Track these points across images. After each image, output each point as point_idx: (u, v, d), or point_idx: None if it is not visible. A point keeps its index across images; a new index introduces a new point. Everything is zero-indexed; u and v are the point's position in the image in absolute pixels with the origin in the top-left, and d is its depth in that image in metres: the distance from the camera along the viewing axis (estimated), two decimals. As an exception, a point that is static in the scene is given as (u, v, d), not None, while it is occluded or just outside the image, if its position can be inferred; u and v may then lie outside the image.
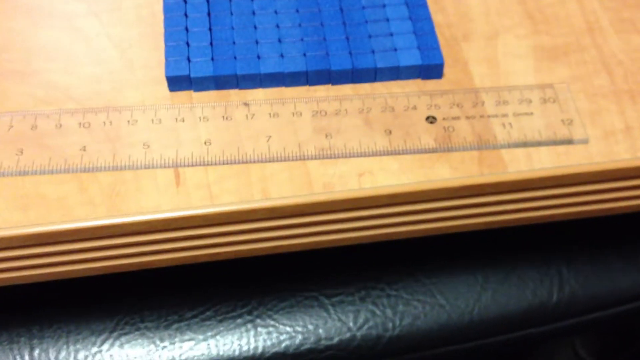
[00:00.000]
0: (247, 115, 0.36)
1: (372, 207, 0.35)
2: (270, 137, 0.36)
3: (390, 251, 0.42)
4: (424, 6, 0.40)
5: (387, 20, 0.39)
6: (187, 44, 0.38)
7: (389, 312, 0.40)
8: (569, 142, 0.35)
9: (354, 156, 0.35)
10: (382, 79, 0.38)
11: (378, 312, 0.40)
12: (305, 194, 0.34)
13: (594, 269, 0.42)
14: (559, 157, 0.35)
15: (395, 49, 0.38)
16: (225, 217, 0.34)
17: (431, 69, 0.38)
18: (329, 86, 0.38)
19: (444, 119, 0.36)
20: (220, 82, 0.37)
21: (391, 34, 0.39)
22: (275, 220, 0.34)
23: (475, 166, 0.35)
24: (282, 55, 0.38)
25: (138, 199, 0.33)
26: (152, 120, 0.36)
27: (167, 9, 0.39)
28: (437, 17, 0.41)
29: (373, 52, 0.38)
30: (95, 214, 0.33)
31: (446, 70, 0.38)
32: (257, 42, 0.38)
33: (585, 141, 0.35)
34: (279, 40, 0.38)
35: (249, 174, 0.34)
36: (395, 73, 0.38)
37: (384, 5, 0.40)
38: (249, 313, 0.39)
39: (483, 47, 0.39)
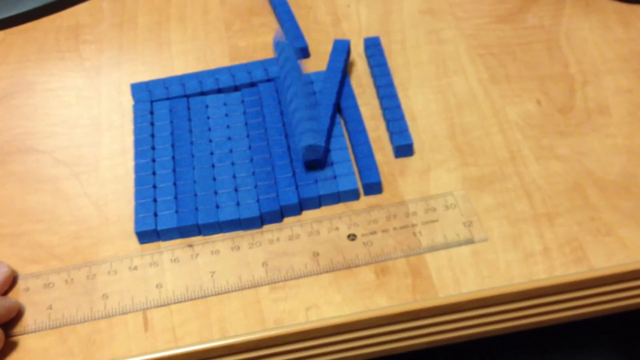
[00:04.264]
0: (212, 251, 0.41)
1: (320, 337, 0.39)
2: (227, 272, 0.40)
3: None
4: (363, 132, 0.45)
5: (329, 150, 0.45)
6: (155, 200, 0.43)
7: None
8: (470, 242, 0.40)
9: (301, 283, 0.39)
10: (326, 204, 0.43)
11: None
12: (259, 331, 0.38)
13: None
14: (484, 280, 0.39)
15: (335, 177, 0.43)
16: (188, 357, 0.38)
17: (371, 187, 0.43)
18: (280, 225, 0.43)
19: (362, 235, 0.41)
20: (184, 232, 0.42)
21: (332, 164, 0.44)
22: (234, 356, 0.39)
23: (410, 294, 0.39)
24: (238, 203, 0.43)
25: (111, 346, 0.38)
26: (129, 267, 0.41)
27: (138, 169, 0.45)
28: (377, 155, 0.46)
29: (316, 181, 0.43)
30: (73, 363, 0.37)
31: (385, 203, 0.43)
32: (216, 193, 0.43)
33: (484, 239, 0.40)
34: (235, 190, 0.43)
35: (209, 315, 0.39)
36: (336, 198, 0.43)
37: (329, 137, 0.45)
38: None
39: (417, 181, 0.44)
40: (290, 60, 0.48)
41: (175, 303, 0.39)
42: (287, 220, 0.43)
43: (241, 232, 0.42)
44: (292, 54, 0.48)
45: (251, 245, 0.41)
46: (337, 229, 0.42)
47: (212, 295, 0.39)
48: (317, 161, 0.43)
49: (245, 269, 0.40)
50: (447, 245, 0.40)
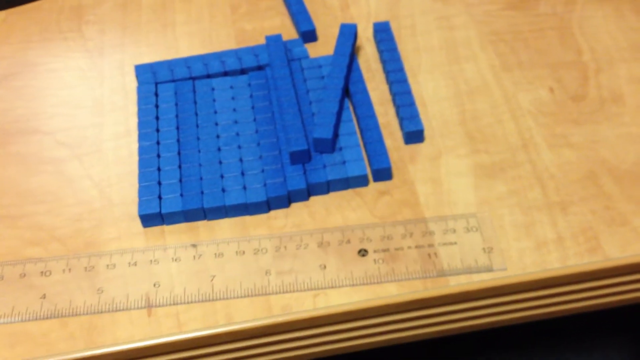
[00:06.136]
0: (216, 254, 0.40)
1: (327, 324, 0.38)
2: (228, 278, 0.39)
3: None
4: (373, 117, 0.44)
5: (337, 135, 0.44)
6: (159, 182, 0.42)
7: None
8: (488, 269, 0.38)
9: (308, 289, 0.38)
10: (334, 190, 0.42)
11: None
12: (265, 317, 0.37)
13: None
14: (496, 269, 0.38)
15: (344, 162, 0.42)
16: (192, 343, 0.37)
17: (381, 173, 0.42)
18: (287, 211, 0.42)
19: (374, 251, 0.40)
20: (189, 216, 0.41)
21: (340, 149, 0.43)
22: (239, 342, 0.38)
23: (420, 281, 0.38)
24: (244, 187, 0.42)
25: (113, 331, 0.37)
26: (129, 263, 0.40)
27: (142, 151, 0.44)
28: (387, 141, 0.45)
29: (325, 166, 0.42)
30: (75, 347, 0.36)
31: (394, 190, 0.42)
32: (222, 177, 0.42)
33: (503, 269, 0.38)
34: (242, 174, 0.43)
35: (214, 302, 0.38)
36: (345, 184, 0.42)
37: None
38: None
39: (428, 168, 0.43)
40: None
41: (170, 305, 0.38)
42: (295, 205, 0.42)
43: (248, 236, 0.41)
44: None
45: (257, 251, 0.40)
46: (348, 242, 0.40)
47: (209, 300, 0.38)
48: (325, 146, 0.43)
49: (247, 276, 0.39)
50: (463, 271, 0.38)
